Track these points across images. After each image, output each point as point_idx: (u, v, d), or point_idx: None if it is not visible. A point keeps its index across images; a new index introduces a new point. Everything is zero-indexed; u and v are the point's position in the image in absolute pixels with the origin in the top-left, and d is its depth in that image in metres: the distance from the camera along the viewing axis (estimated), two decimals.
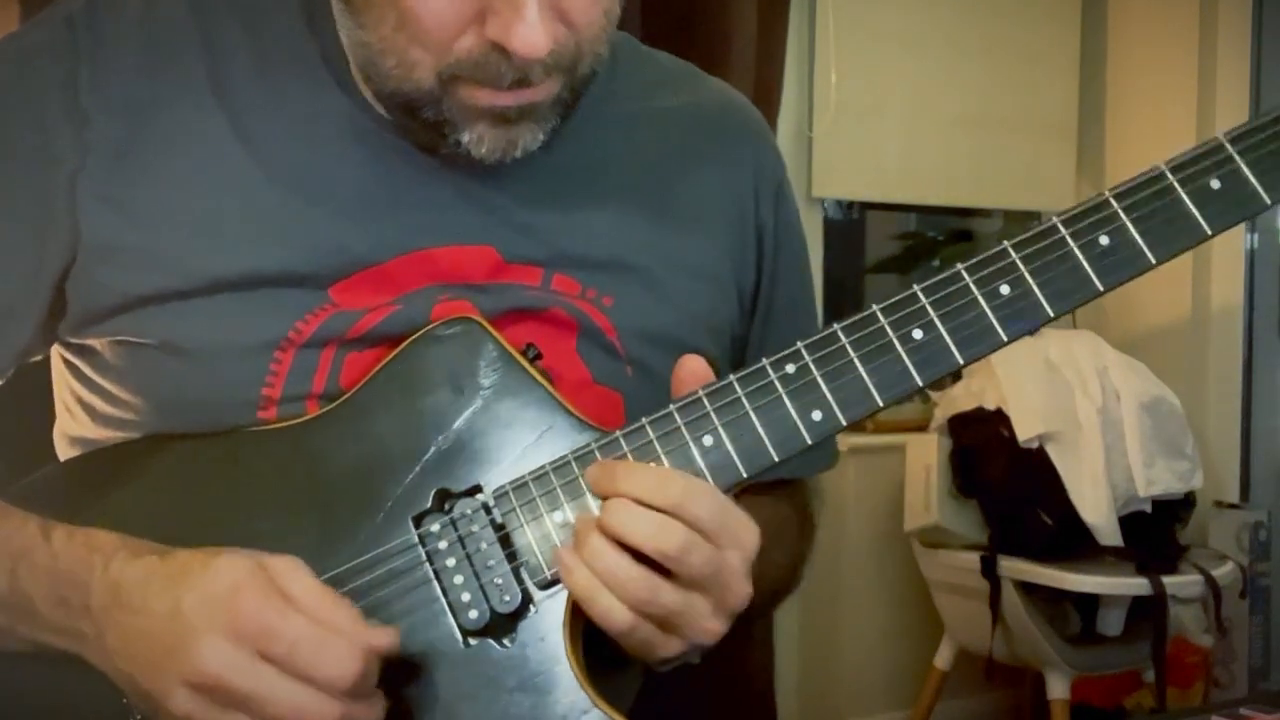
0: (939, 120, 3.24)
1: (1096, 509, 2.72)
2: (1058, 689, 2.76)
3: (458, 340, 0.86)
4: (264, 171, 0.88)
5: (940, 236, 3.63)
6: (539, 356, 0.87)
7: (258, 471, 0.85)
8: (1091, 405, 2.74)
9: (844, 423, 0.82)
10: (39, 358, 0.95)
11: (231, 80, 0.89)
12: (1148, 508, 2.78)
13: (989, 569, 2.77)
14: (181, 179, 0.87)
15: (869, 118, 3.12)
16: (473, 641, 0.81)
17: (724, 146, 1.03)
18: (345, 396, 0.86)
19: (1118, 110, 3.52)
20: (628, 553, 0.77)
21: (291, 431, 0.85)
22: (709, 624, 0.80)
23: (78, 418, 0.94)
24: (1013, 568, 2.76)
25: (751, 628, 2.41)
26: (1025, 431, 2.76)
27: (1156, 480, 2.74)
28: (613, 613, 0.77)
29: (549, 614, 0.81)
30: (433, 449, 0.84)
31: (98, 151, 0.86)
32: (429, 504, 0.83)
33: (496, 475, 0.83)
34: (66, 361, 0.94)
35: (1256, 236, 3.32)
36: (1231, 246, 3.28)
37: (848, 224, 3.46)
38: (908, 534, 2.99)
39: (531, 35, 0.79)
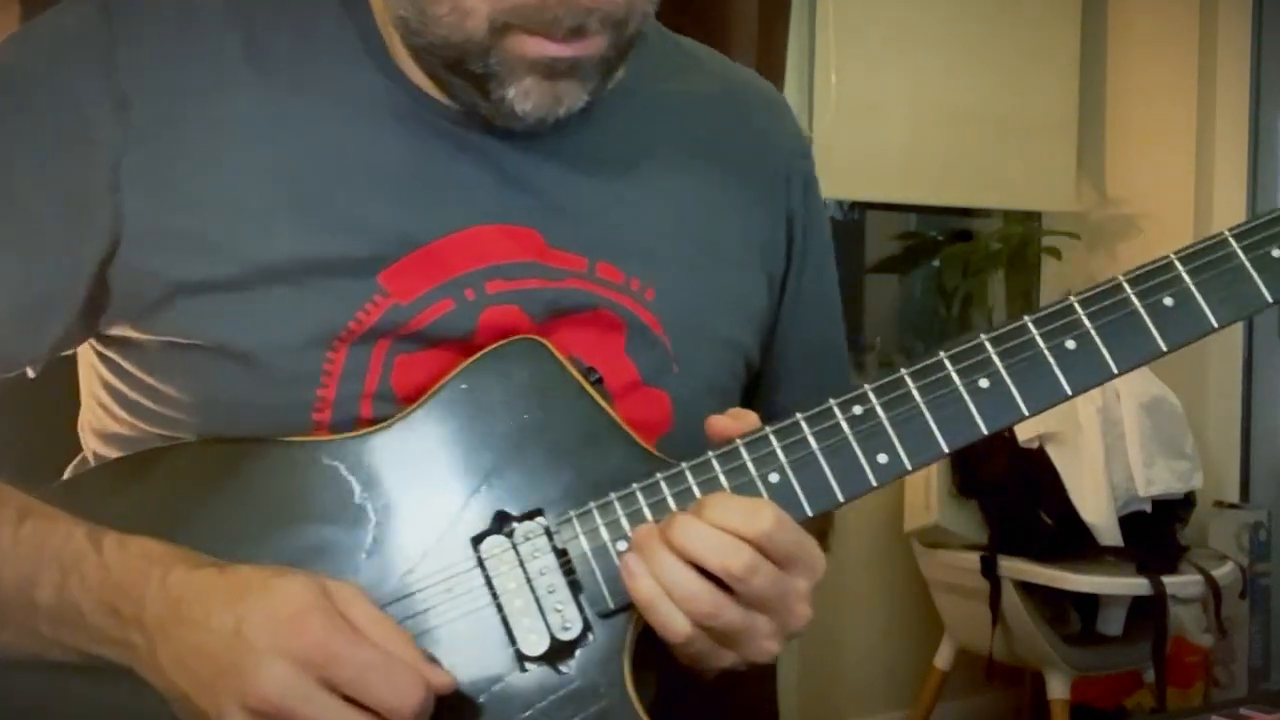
0: (939, 120, 3.24)
1: (1096, 509, 2.72)
2: (1058, 689, 2.76)
3: (522, 362, 0.85)
4: (304, 153, 0.86)
5: (940, 236, 3.63)
6: (600, 380, 0.86)
7: (314, 484, 0.83)
8: (1091, 405, 2.74)
9: (910, 469, 0.82)
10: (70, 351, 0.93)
11: (268, 60, 0.88)
12: (1148, 508, 2.78)
13: (989, 569, 2.77)
14: (222, 162, 0.85)
15: (869, 118, 3.12)
16: (530, 667, 0.80)
17: (755, 132, 1.02)
18: (405, 413, 0.84)
19: (1118, 110, 3.52)
20: (692, 568, 0.77)
21: (350, 444, 0.83)
22: (767, 644, 0.80)
23: (115, 414, 0.91)
24: (1013, 568, 2.76)
25: None
26: (1025, 431, 2.76)
27: (1156, 480, 2.74)
28: (674, 622, 0.77)
29: (608, 642, 0.81)
30: (493, 470, 0.83)
31: (139, 134, 0.85)
32: (488, 525, 0.82)
33: (557, 500, 0.82)
34: (103, 356, 0.91)
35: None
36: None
37: (848, 224, 3.46)
38: (908, 534, 2.99)
39: None
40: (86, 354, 0.94)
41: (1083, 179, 3.51)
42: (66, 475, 0.97)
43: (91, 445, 0.95)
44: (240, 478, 0.83)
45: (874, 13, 3.11)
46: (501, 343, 0.85)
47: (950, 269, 3.46)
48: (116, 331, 0.88)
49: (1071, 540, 2.74)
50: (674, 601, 0.77)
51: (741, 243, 0.98)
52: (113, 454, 0.92)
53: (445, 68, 0.85)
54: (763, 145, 1.02)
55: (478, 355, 0.85)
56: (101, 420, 0.93)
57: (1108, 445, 2.71)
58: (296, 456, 0.83)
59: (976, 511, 2.87)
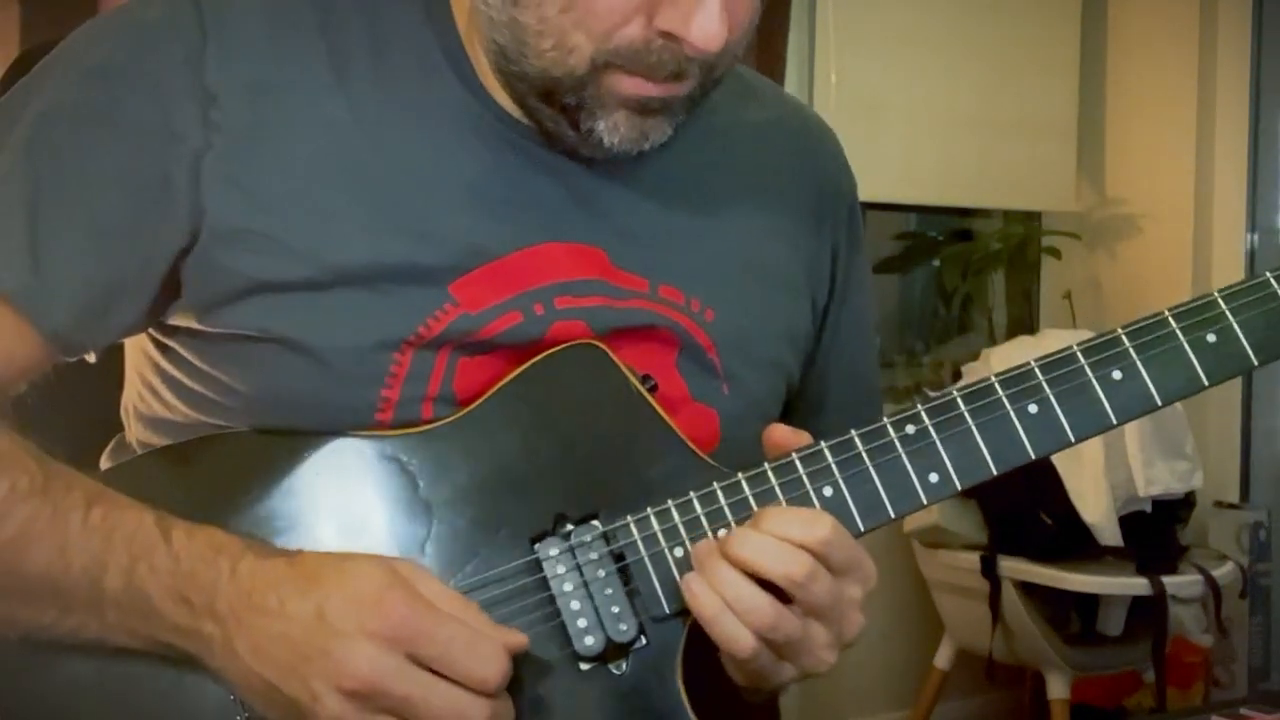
0: (939, 120, 3.24)
1: (1096, 509, 2.72)
2: (1058, 689, 2.76)
3: (580, 365, 0.86)
4: (384, 160, 0.87)
5: (940, 236, 3.63)
6: (655, 388, 0.87)
7: (375, 477, 0.84)
8: None
9: (959, 488, 0.84)
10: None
11: (350, 66, 0.88)
12: (1148, 508, 2.78)
13: (989, 569, 2.78)
14: (305, 165, 0.86)
15: (869, 118, 3.12)
16: (585, 667, 0.82)
17: (808, 163, 1.04)
18: (464, 411, 0.85)
19: (1118, 110, 3.52)
20: (752, 580, 0.79)
21: (411, 440, 0.84)
22: (825, 654, 0.83)
23: (168, 402, 0.92)
24: (1013, 568, 2.76)
25: None
26: None
27: (1156, 480, 2.74)
28: (739, 638, 0.79)
29: (662, 646, 0.82)
30: (550, 471, 0.84)
31: (224, 132, 0.85)
32: (545, 527, 0.83)
33: (614, 504, 0.84)
34: (161, 344, 0.91)
35: (1256, 236, 3.32)
36: (1231, 246, 3.28)
37: None
38: (908, 534, 2.99)
39: (711, 27, 0.79)
40: (139, 340, 0.94)
41: (1083, 179, 3.51)
42: (105, 455, 0.98)
43: (136, 429, 0.95)
44: (300, 468, 0.84)
45: (874, 13, 3.11)
46: (560, 347, 0.86)
47: (950, 269, 3.46)
48: (180, 321, 0.89)
49: (1071, 540, 2.74)
50: (737, 615, 0.78)
51: (792, 270, 1.00)
52: (159, 440, 0.92)
53: (536, 96, 0.86)
54: (815, 176, 1.04)
55: (536, 358, 0.86)
56: (151, 406, 0.93)
57: (1108, 445, 2.71)
58: (358, 449, 0.84)
59: (976, 511, 2.87)
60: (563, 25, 0.81)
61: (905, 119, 3.19)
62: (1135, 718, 3.07)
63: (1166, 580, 2.69)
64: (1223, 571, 2.79)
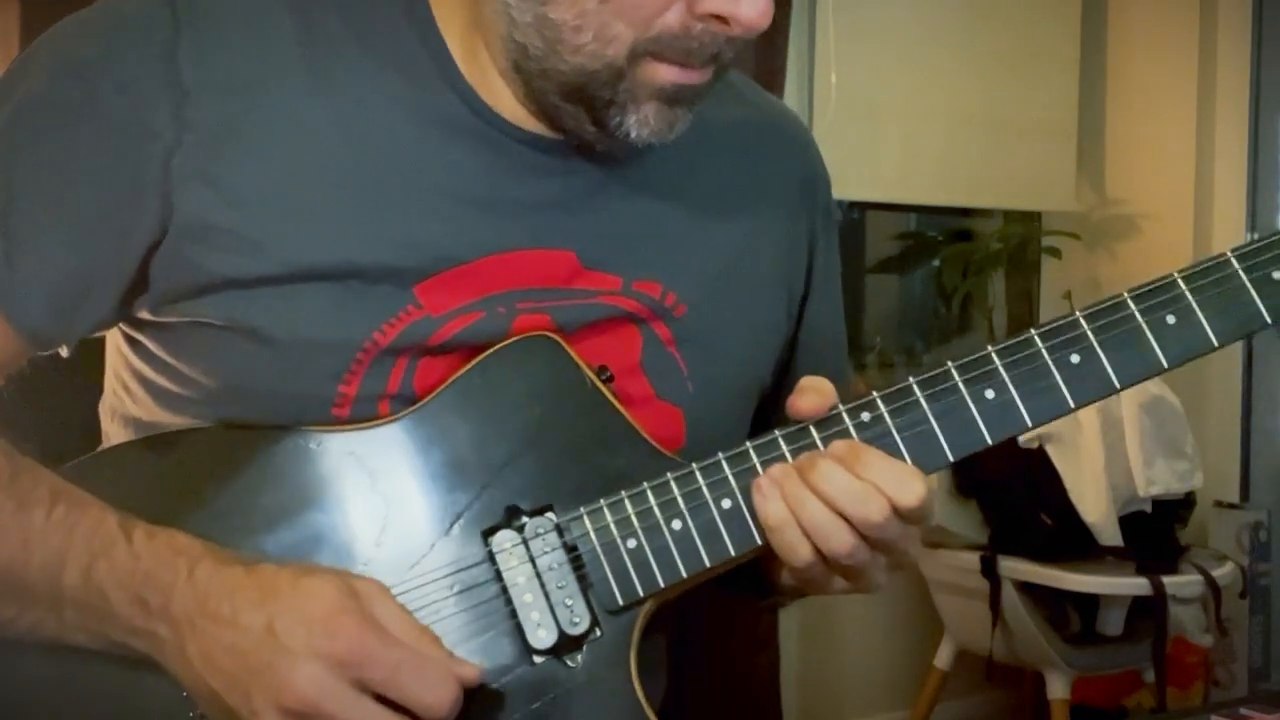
0: (939, 120, 3.24)
1: (1096, 509, 2.72)
2: (1058, 689, 2.76)
3: (534, 357, 0.86)
4: (358, 160, 0.87)
5: (940, 236, 3.63)
6: (611, 379, 0.87)
7: (328, 473, 0.84)
8: (1091, 405, 2.74)
9: None
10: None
11: (329, 65, 0.88)
12: (1148, 508, 2.78)
13: (989, 569, 2.78)
14: (278, 163, 0.86)
15: (869, 118, 3.12)
16: (538, 660, 0.82)
17: (786, 163, 1.04)
18: (419, 404, 0.85)
19: (1118, 110, 3.52)
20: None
21: (364, 435, 0.85)
22: (879, 578, 0.84)
23: (138, 398, 0.92)
24: (1013, 568, 2.76)
25: (758, 630, 2.40)
26: (1025, 432, 2.75)
27: (1156, 480, 2.74)
28: (798, 549, 0.80)
29: (616, 638, 0.83)
30: (505, 464, 0.84)
31: (196, 129, 0.85)
32: (499, 519, 0.84)
33: (568, 496, 0.84)
34: (131, 339, 0.92)
35: (1256, 236, 3.32)
36: (1231, 246, 3.27)
37: (848, 224, 3.46)
38: None
39: (761, 3, 0.80)
40: (114, 336, 0.94)
41: (1083, 179, 3.51)
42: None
43: (110, 429, 0.96)
44: (256, 464, 0.85)
45: (874, 13, 3.11)
46: (515, 339, 0.86)
47: (950, 269, 3.46)
48: (146, 314, 0.89)
49: (1071, 540, 2.74)
50: (810, 536, 0.80)
51: (771, 268, 1.00)
52: (128, 438, 0.92)
53: (560, 95, 0.86)
54: (793, 172, 1.04)
55: (491, 350, 0.86)
56: (123, 403, 0.94)
57: (1108, 445, 2.71)
58: (312, 446, 0.85)
59: (976, 511, 2.87)
60: (602, 16, 0.81)
61: (905, 119, 3.19)
62: (1135, 718, 3.07)
63: (1166, 580, 2.69)
64: (1223, 571, 2.80)
